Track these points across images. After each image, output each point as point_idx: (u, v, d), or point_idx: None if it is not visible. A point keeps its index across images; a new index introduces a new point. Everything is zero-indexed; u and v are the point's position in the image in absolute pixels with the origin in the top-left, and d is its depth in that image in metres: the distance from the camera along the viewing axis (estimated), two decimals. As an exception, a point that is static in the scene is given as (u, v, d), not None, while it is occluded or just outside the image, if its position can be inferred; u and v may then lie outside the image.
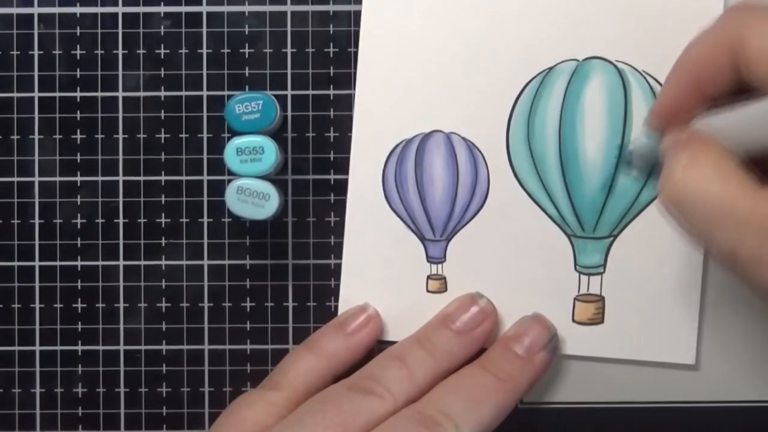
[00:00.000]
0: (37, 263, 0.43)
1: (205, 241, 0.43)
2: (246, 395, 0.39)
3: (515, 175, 0.42)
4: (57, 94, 0.43)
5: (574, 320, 0.42)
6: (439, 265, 0.42)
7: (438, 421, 0.36)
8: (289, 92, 0.43)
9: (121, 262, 0.43)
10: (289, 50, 0.43)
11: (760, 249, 0.29)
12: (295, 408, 0.37)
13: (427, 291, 0.42)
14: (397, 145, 0.42)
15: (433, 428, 0.35)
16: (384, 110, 0.42)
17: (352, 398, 0.37)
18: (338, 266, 0.43)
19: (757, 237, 0.29)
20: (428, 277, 0.42)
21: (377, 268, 0.42)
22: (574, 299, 0.42)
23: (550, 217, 0.42)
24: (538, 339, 0.40)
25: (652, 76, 0.41)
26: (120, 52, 0.43)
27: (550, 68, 0.41)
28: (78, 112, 0.43)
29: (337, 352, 0.40)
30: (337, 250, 0.43)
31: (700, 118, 0.33)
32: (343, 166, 0.43)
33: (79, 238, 0.43)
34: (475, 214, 0.42)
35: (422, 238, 0.42)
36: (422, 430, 0.35)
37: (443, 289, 0.42)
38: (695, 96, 0.33)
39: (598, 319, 0.42)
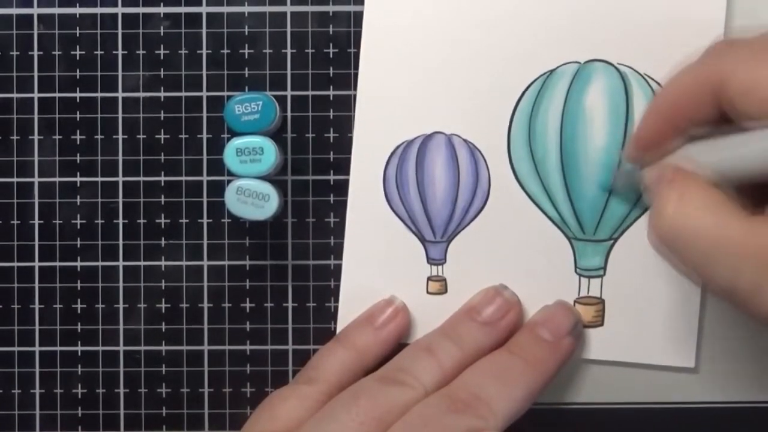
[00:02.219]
0: (36, 264, 0.43)
1: (205, 241, 0.43)
2: (280, 391, 0.39)
3: (516, 177, 0.42)
4: (57, 95, 0.43)
5: (574, 323, 0.42)
6: (440, 267, 0.42)
7: (469, 403, 0.36)
8: (289, 93, 0.43)
9: (121, 263, 0.43)
10: (288, 51, 0.43)
11: (758, 279, 0.29)
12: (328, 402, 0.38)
13: (428, 293, 0.42)
14: (398, 147, 0.42)
15: (465, 411, 0.35)
16: (385, 111, 0.42)
17: (385, 391, 0.37)
18: (338, 267, 0.43)
19: (754, 268, 0.29)
20: (428, 279, 0.42)
21: (377, 269, 0.42)
22: (574, 302, 0.42)
23: (550, 219, 0.42)
24: (563, 324, 0.40)
25: (653, 79, 0.40)
26: (120, 52, 0.43)
27: (552, 71, 0.41)
28: (78, 112, 0.43)
29: (367, 345, 0.40)
30: (337, 251, 0.43)
31: (680, 148, 0.34)
32: (342, 166, 0.43)
33: (78, 239, 0.43)
34: (476, 216, 0.42)
35: (423, 240, 0.42)
36: (452, 414, 0.35)
37: (443, 290, 0.42)
38: (675, 128, 0.34)
39: (598, 321, 0.42)
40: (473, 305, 0.41)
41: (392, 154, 0.42)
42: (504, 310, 0.40)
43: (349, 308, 0.42)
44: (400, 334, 0.41)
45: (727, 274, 0.30)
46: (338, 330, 0.42)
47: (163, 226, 0.43)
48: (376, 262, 0.42)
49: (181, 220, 0.43)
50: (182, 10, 0.43)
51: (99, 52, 0.43)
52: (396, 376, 0.38)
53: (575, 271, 0.42)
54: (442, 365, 0.38)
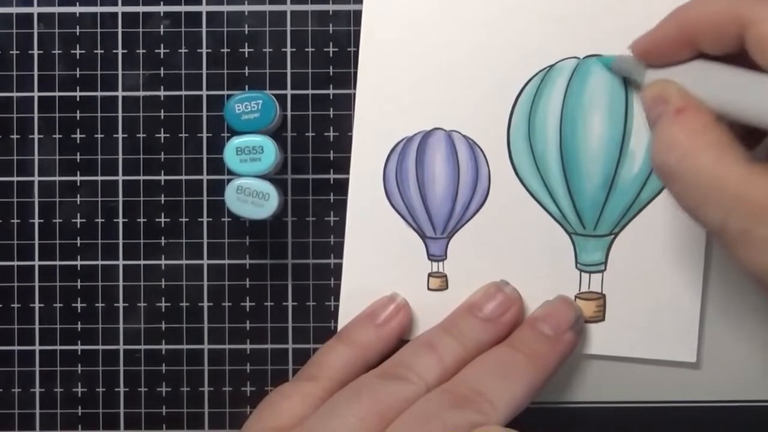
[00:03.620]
0: (36, 263, 0.43)
1: (205, 240, 0.43)
2: (281, 388, 0.39)
3: (516, 173, 0.42)
4: (56, 94, 0.43)
5: (575, 318, 0.42)
6: (440, 263, 0.42)
7: (471, 399, 0.36)
8: (289, 92, 0.43)
9: (121, 262, 0.43)
10: (288, 50, 0.43)
11: (747, 224, 0.29)
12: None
13: (428, 289, 0.42)
14: (398, 143, 0.42)
15: (467, 406, 0.35)
16: (385, 108, 0.42)
17: (386, 386, 0.37)
18: (338, 266, 0.43)
19: (745, 213, 0.30)
20: (429, 275, 0.42)
21: (378, 266, 0.42)
22: (575, 297, 0.42)
23: (550, 214, 0.42)
24: (564, 319, 0.40)
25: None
26: (119, 51, 0.43)
27: (551, 66, 0.41)
28: (77, 111, 0.43)
29: (369, 342, 0.40)
30: (337, 250, 0.43)
31: (687, 63, 0.34)
32: (342, 165, 0.43)
33: (78, 238, 0.43)
34: (476, 212, 0.42)
35: (423, 236, 0.42)
36: (454, 409, 0.35)
37: (444, 286, 0.42)
38: (689, 44, 0.34)
39: (599, 317, 0.42)
40: (474, 301, 0.41)
41: (392, 150, 0.42)
42: (505, 306, 0.40)
43: (349, 305, 0.42)
44: (402, 331, 0.41)
45: (719, 215, 0.30)
46: (339, 328, 0.42)
47: (163, 225, 0.43)
48: (376, 259, 0.42)
49: (181, 219, 0.43)
50: (182, 9, 0.43)
51: (99, 51, 0.43)
52: (397, 372, 0.38)
53: (576, 267, 0.42)
54: (443, 361, 0.38)
